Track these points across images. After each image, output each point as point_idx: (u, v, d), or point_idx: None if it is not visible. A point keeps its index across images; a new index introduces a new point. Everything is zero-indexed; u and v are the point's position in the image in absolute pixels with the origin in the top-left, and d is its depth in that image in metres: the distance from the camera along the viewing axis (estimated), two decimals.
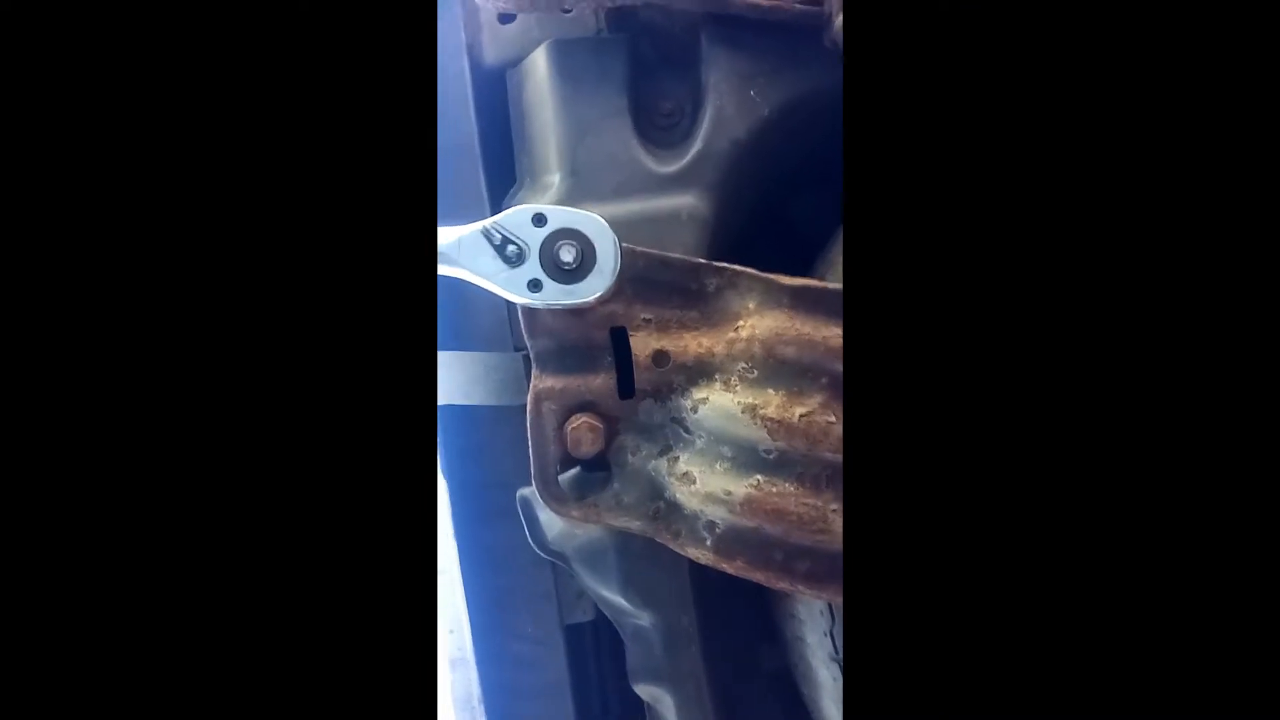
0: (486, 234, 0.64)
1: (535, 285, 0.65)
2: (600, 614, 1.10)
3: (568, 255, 0.65)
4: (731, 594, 1.01)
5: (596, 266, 0.68)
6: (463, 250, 0.65)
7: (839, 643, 0.87)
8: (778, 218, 1.08)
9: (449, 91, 1.01)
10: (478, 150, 1.01)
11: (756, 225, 1.00)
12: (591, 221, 0.65)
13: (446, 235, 0.65)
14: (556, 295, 0.67)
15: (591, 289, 0.68)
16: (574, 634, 1.10)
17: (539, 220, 0.65)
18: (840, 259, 0.91)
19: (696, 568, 0.94)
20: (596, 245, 0.68)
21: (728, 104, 0.90)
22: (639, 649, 0.93)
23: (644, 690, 0.95)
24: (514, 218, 0.65)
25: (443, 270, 0.66)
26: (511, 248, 0.64)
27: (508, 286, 0.65)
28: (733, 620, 1.03)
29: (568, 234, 0.65)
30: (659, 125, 0.94)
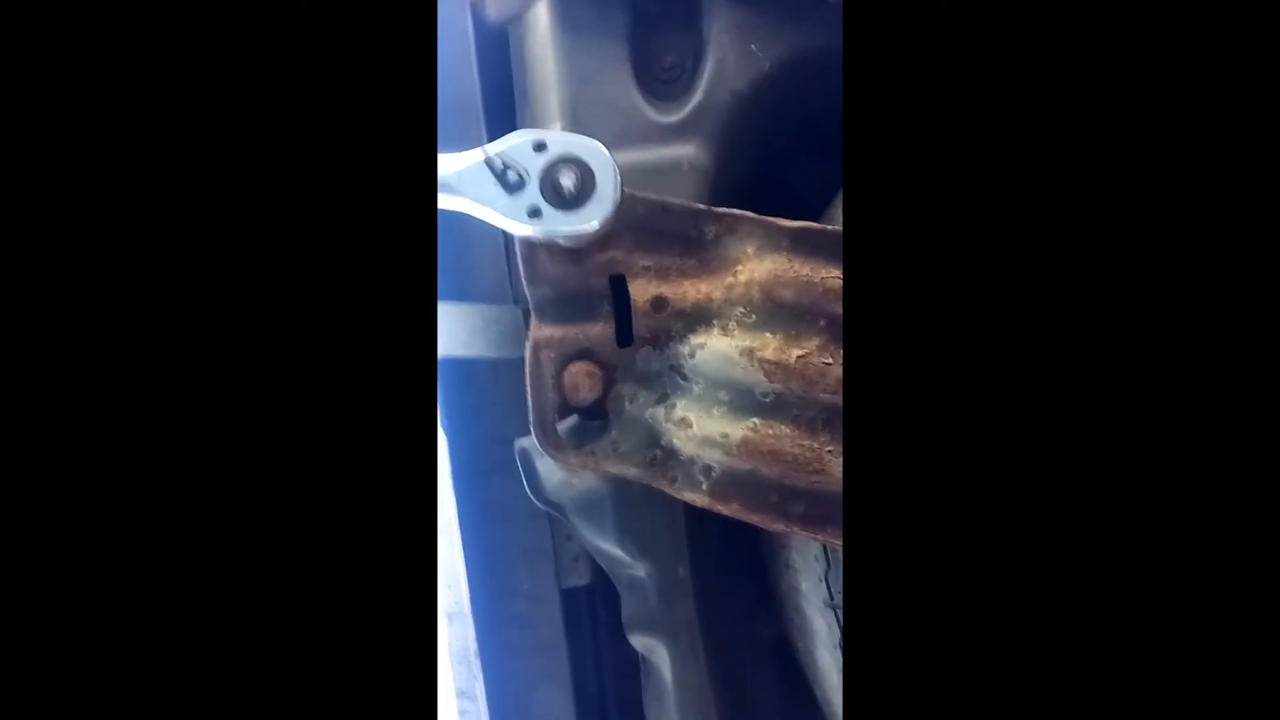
0: (489, 163, 0.64)
1: (535, 212, 0.65)
2: (596, 577, 1.10)
3: (567, 181, 0.65)
4: (728, 547, 1.01)
5: (596, 194, 0.68)
6: (464, 180, 0.65)
7: (834, 588, 0.87)
8: (778, 182, 1.08)
9: (452, 48, 1.01)
10: (480, 107, 1.02)
11: (757, 186, 1.00)
12: (591, 148, 0.66)
13: (448, 165, 0.65)
14: (556, 222, 0.67)
15: (591, 216, 0.68)
16: (570, 596, 1.10)
17: (539, 147, 0.65)
18: (841, 222, 0.91)
19: (693, 521, 0.94)
20: (597, 172, 0.68)
21: (729, 56, 0.91)
22: (634, 599, 0.93)
23: (638, 641, 0.94)
24: (514, 145, 0.65)
25: (444, 202, 0.66)
26: (511, 174, 0.64)
27: (508, 214, 0.65)
28: (730, 579, 1.03)
29: (568, 160, 0.65)
30: (660, 79, 0.95)
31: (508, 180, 0.63)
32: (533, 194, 0.64)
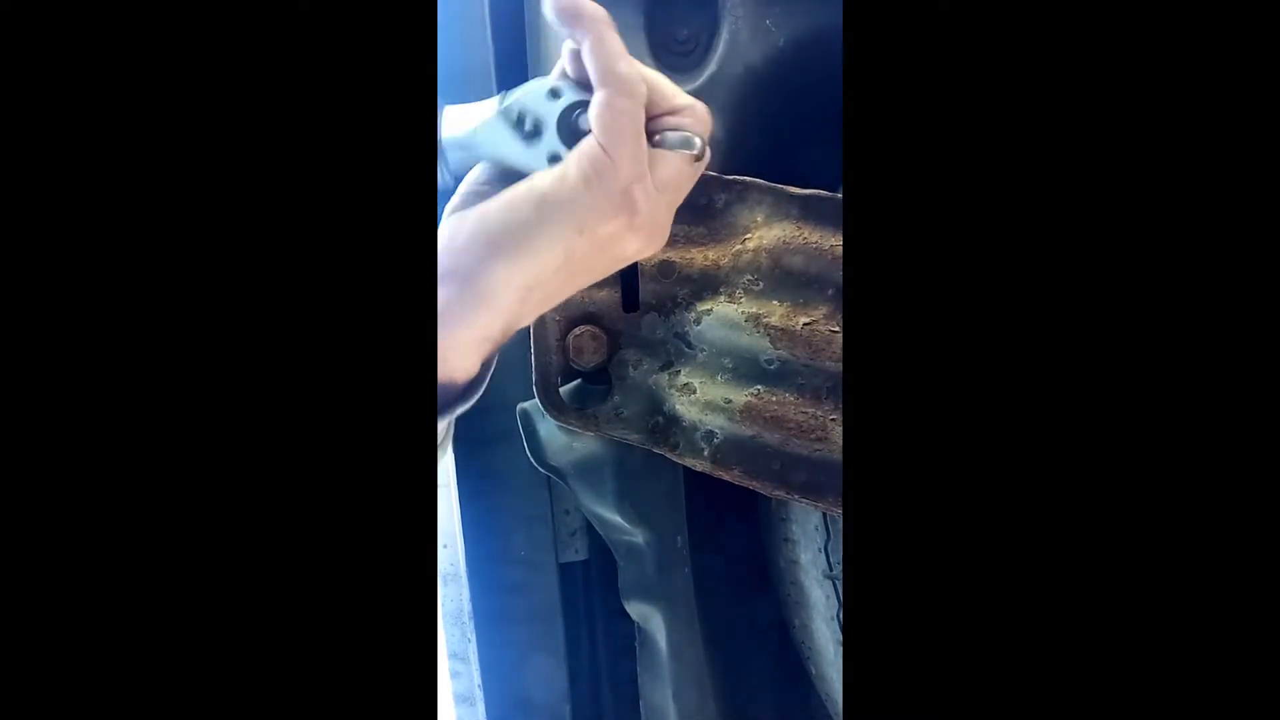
0: (505, 113, 0.64)
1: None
2: (593, 552, 1.10)
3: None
4: (726, 519, 1.01)
5: None
6: (481, 135, 0.65)
7: (833, 559, 0.87)
8: (789, 155, 1.09)
9: (466, 13, 1.02)
10: (493, 74, 1.02)
11: (768, 160, 1.00)
12: None
13: (462, 121, 0.65)
14: None
15: None
16: (567, 570, 1.10)
17: (554, 94, 0.64)
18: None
19: (693, 494, 0.94)
20: None
21: (743, 29, 0.91)
22: (632, 566, 0.93)
23: (635, 609, 0.94)
24: (530, 92, 0.65)
25: (462, 158, 0.65)
26: (528, 122, 0.64)
27: (528, 164, 0.65)
28: (727, 552, 1.03)
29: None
30: (675, 51, 0.95)
31: (524, 129, 0.63)
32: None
